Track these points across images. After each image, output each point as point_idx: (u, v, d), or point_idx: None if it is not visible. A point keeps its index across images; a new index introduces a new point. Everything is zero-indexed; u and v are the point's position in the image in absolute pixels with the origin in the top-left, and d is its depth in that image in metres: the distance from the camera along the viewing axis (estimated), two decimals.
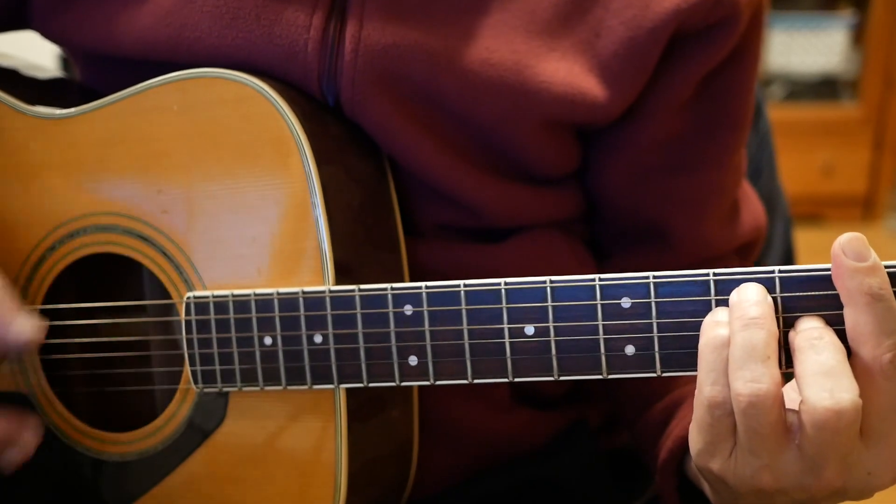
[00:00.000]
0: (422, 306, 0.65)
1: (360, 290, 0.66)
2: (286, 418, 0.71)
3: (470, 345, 0.64)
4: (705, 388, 0.58)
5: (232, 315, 0.70)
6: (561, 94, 0.73)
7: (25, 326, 0.69)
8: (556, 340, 0.62)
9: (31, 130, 0.77)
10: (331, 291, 0.67)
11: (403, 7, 0.73)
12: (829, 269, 0.57)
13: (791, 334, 0.57)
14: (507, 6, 0.74)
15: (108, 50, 0.79)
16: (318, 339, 0.68)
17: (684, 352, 0.60)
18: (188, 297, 0.71)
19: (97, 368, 0.79)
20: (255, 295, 0.69)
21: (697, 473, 0.67)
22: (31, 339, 0.69)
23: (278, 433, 0.72)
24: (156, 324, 0.79)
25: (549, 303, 0.62)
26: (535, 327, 0.63)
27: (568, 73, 0.74)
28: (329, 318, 0.67)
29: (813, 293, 0.58)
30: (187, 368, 0.72)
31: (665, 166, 0.80)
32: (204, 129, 0.72)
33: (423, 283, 0.65)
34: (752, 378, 0.55)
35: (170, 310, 0.75)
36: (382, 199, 0.76)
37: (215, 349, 0.70)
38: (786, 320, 0.58)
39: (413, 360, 0.66)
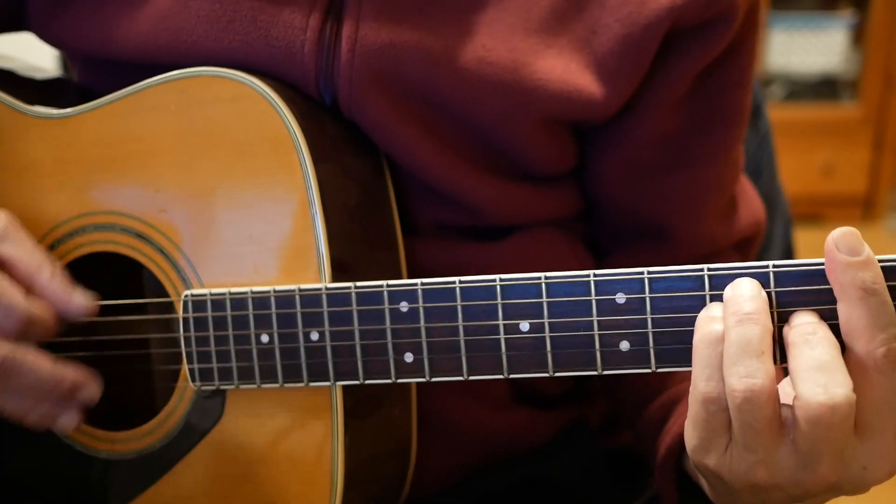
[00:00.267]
0: (417, 303, 0.65)
1: (356, 287, 0.66)
2: (283, 416, 0.72)
3: (465, 341, 0.64)
4: (700, 383, 0.58)
5: (229, 312, 0.70)
6: (558, 91, 0.74)
7: (83, 298, 0.73)
8: (550, 336, 0.62)
9: (30, 130, 0.78)
10: (327, 289, 0.67)
11: (400, 8, 0.73)
12: (823, 264, 0.57)
13: (785, 329, 0.57)
14: (504, 4, 0.74)
15: (106, 54, 0.79)
16: (314, 336, 0.68)
17: (679, 347, 0.60)
18: (186, 295, 0.71)
19: (96, 366, 0.79)
20: (252, 292, 0.69)
21: (695, 470, 0.67)
22: (90, 309, 0.73)
23: (275, 431, 0.72)
24: (154, 322, 0.79)
25: (544, 299, 0.62)
26: (529, 323, 0.63)
27: (565, 70, 0.74)
28: (325, 316, 0.67)
29: (807, 288, 0.58)
30: (185, 366, 0.72)
31: (661, 162, 0.80)
32: (201, 128, 0.72)
33: (418, 280, 0.65)
34: (747, 373, 0.55)
35: (168, 308, 0.75)
36: (380, 197, 0.76)
37: (212, 347, 0.71)
38: (780, 315, 0.58)
39: (409, 357, 0.66)
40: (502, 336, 0.64)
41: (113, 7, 0.78)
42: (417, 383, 0.76)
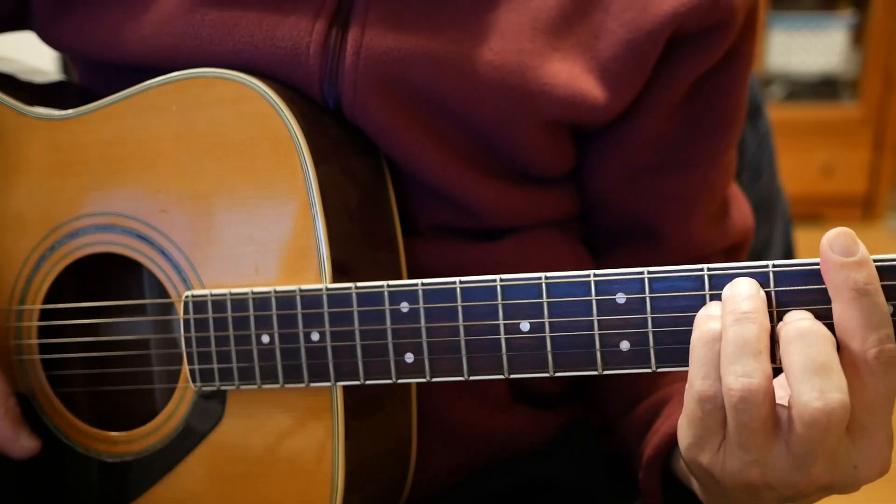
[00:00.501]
0: (418, 303, 0.65)
1: (356, 287, 0.66)
2: (284, 417, 0.72)
3: (466, 341, 0.64)
4: (696, 381, 0.57)
5: (230, 313, 0.70)
6: (562, 95, 0.74)
7: (28, 442, 0.77)
8: (551, 337, 0.62)
9: (31, 131, 0.78)
10: (328, 289, 0.67)
11: (407, 13, 0.73)
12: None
13: (779, 326, 0.57)
14: (514, 5, 0.75)
15: (109, 57, 0.79)
16: (315, 336, 0.68)
17: (679, 347, 0.60)
18: (186, 296, 0.71)
19: (97, 368, 0.79)
20: (253, 293, 0.69)
21: (686, 471, 0.67)
22: (31, 453, 0.77)
23: (276, 432, 0.72)
24: (155, 323, 0.79)
25: (545, 299, 0.62)
26: (530, 323, 0.63)
27: (569, 74, 0.74)
28: (326, 316, 0.67)
29: (807, 287, 0.58)
30: (185, 367, 0.72)
31: (656, 165, 0.81)
32: (202, 129, 0.72)
33: (419, 281, 0.65)
34: (744, 373, 0.55)
35: (168, 309, 0.75)
36: (380, 198, 0.76)
37: (213, 347, 0.71)
38: (779, 315, 0.58)
39: (409, 358, 0.66)
40: (503, 336, 0.64)
41: (117, 11, 0.78)
42: (418, 384, 0.76)
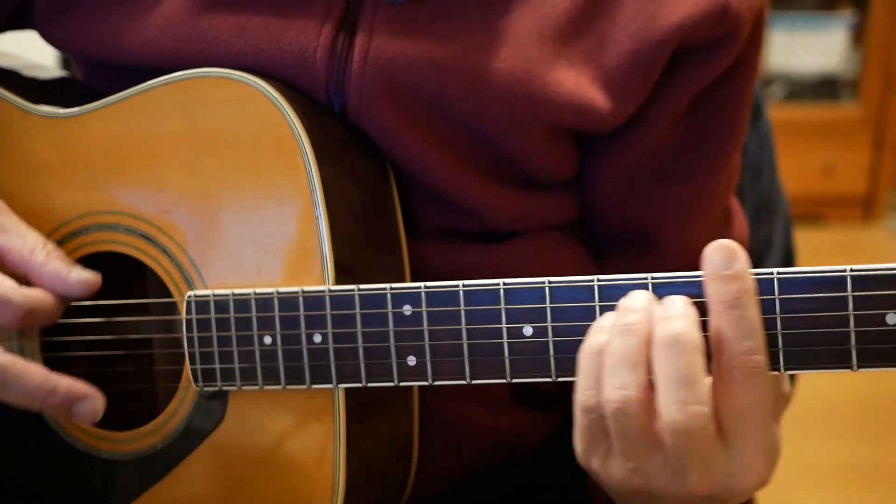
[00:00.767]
0: (421, 306, 0.65)
1: (359, 289, 0.67)
2: (285, 418, 0.72)
3: (468, 345, 0.65)
4: (581, 392, 0.60)
5: (232, 314, 0.70)
6: (568, 104, 0.74)
7: (82, 275, 0.72)
8: (554, 341, 0.63)
9: (35, 129, 0.78)
10: (330, 291, 0.67)
11: (414, 20, 0.73)
12: (826, 271, 0.57)
13: (656, 318, 0.58)
14: (522, 12, 0.74)
15: (111, 59, 0.79)
16: (317, 338, 0.68)
17: None
18: (189, 296, 0.71)
19: (99, 367, 0.79)
20: (256, 294, 0.69)
21: None
22: (91, 284, 0.72)
23: (277, 433, 0.72)
24: (157, 322, 0.79)
25: (548, 304, 0.62)
26: (533, 328, 0.63)
27: (575, 82, 0.74)
28: (328, 318, 0.67)
29: (810, 296, 0.58)
30: (187, 367, 0.72)
31: (656, 174, 0.81)
32: (206, 129, 0.72)
33: (422, 284, 0.65)
34: (620, 384, 0.57)
35: (171, 308, 0.75)
36: (384, 200, 0.76)
37: (215, 348, 0.71)
38: (783, 322, 0.58)
39: (412, 360, 0.66)
40: (505, 340, 0.64)
41: (121, 12, 0.77)
42: (419, 386, 0.76)
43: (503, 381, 0.64)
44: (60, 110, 0.77)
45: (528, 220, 0.80)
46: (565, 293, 0.62)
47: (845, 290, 0.57)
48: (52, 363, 0.79)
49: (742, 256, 0.57)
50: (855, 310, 0.57)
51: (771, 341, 0.58)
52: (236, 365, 0.70)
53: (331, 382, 0.68)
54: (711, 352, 0.59)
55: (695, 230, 0.83)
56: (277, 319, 0.69)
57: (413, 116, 0.74)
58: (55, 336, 0.78)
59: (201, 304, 0.71)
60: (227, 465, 0.73)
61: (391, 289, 0.66)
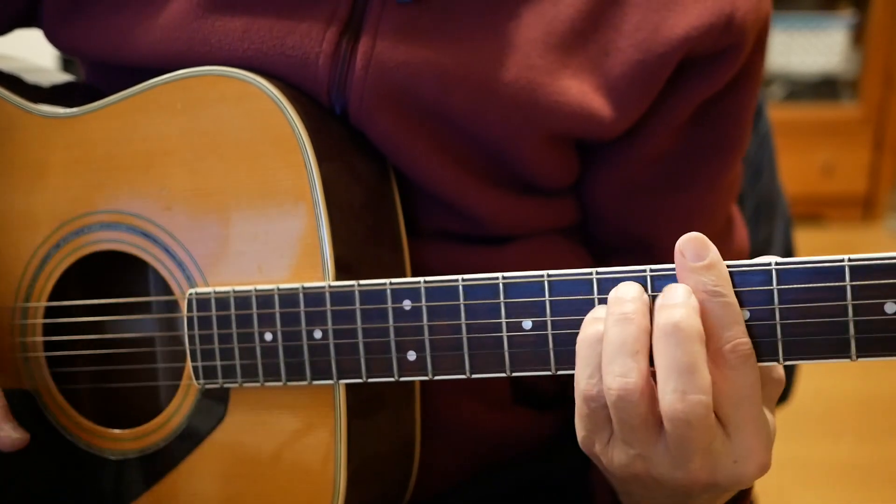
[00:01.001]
0: (420, 301, 0.65)
1: (359, 285, 0.67)
2: (286, 415, 0.72)
3: (468, 339, 0.65)
4: (581, 381, 0.60)
5: (233, 311, 0.70)
6: (571, 112, 0.74)
7: (13, 433, 0.75)
8: (553, 334, 0.63)
9: (37, 129, 0.78)
10: (330, 287, 0.67)
11: (419, 26, 0.73)
12: (823, 262, 0.57)
13: (656, 308, 0.59)
14: (525, 20, 0.74)
15: (117, 60, 0.79)
16: (317, 334, 0.68)
17: None
18: (190, 294, 0.72)
19: (101, 365, 0.79)
20: (256, 291, 0.69)
21: None
22: (19, 445, 0.75)
23: (278, 430, 0.72)
24: (159, 320, 0.79)
25: (547, 297, 0.63)
26: (532, 321, 0.63)
27: (578, 91, 0.74)
28: (328, 314, 0.68)
29: (811, 286, 0.58)
30: (189, 364, 0.72)
31: (657, 184, 0.81)
32: (207, 127, 0.73)
33: (421, 279, 0.65)
34: (621, 372, 0.57)
35: (172, 306, 0.75)
36: (385, 198, 0.76)
37: (216, 345, 0.71)
38: (782, 313, 0.58)
39: (412, 355, 0.66)
40: (504, 334, 0.64)
41: (126, 15, 0.78)
42: (421, 384, 0.76)
43: (503, 374, 0.64)
44: (61, 110, 0.77)
45: (528, 225, 0.80)
46: (564, 287, 0.62)
47: (844, 280, 0.57)
48: (56, 362, 0.79)
49: (713, 247, 0.58)
50: (853, 299, 0.57)
51: (770, 332, 0.58)
52: (237, 362, 0.71)
53: (331, 378, 0.68)
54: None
55: None
56: (278, 316, 0.69)
57: (413, 122, 0.74)
58: (58, 336, 0.78)
59: (202, 301, 0.71)
60: (229, 462, 0.74)
61: (391, 284, 0.66)
